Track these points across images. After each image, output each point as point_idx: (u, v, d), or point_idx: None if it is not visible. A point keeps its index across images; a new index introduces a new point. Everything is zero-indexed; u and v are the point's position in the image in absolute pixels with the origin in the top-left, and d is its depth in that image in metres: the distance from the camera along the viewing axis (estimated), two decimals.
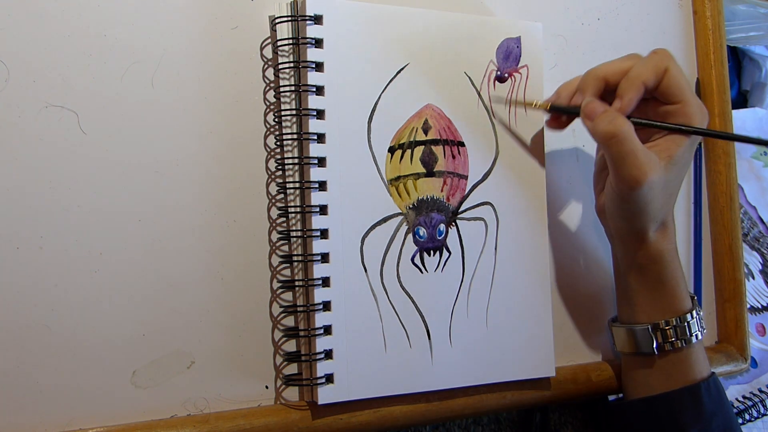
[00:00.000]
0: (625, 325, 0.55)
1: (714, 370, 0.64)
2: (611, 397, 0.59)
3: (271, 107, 0.49)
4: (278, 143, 0.49)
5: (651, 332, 0.52)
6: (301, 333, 0.48)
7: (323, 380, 0.47)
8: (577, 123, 0.55)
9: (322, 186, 0.48)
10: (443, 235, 0.52)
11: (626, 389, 0.56)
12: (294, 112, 0.48)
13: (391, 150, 0.50)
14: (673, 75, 0.50)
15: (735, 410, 0.68)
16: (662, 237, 0.52)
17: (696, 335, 0.52)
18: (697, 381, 0.52)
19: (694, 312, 0.53)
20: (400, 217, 0.50)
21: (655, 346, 0.52)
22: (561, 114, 0.54)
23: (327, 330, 0.48)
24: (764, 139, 0.52)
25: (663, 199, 0.50)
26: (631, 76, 0.50)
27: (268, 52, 0.49)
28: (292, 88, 0.48)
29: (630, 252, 0.53)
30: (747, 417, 0.69)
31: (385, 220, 0.50)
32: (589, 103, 0.50)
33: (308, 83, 0.47)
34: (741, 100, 0.86)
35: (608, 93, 0.51)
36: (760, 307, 0.74)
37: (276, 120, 0.49)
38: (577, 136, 0.61)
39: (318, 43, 0.48)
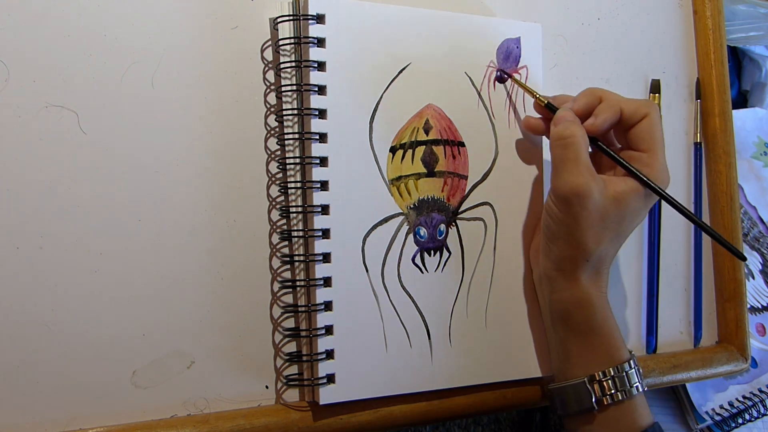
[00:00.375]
0: (562, 383, 0.51)
1: (714, 370, 0.64)
2: None
3: (272, 109, 0.49)
4: (280, 143, 0.48)
5: (588, 385, 0.49)
6: (303, 333, 0.48)
7: (324, 380, 0.47)
8: None
9: (323, 186, 0.48)
10: (443, 235, 0.52)
11: None
12: (296, 111, 0.48)
13: (393, 150, 0.50)
14: (652, 122, 0.50)
15: (735, 410, 0.68)
16: (593, 282, 0.50)
17: (636, 387, 0.49)
18: (643, 428, 0.49)
19: (632, 362, 0.50)
20: (401, 217, 0.50)
21: (594, 400, 0.49)
22: (543, 111, 0.54)
23: (328, 330, 0.48)
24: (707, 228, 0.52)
25: (598, 234, 0.48)
26: (612, 101, 0.50)
27: (269, 54, 0.49)
28: (294, 87, 0.48)
29: (557, 292, 0.51)
30: (747, 417, 0.69)
31: (386, 220, 0.50)
32: (564, 112, 0.50)
33: (310, 83, 0.47)
34: (741, 100, 0.86)
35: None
36: (760, 307, 0.74)
37: (277, 120, 0.49)
38: None
39: (320, 42, 0.48)
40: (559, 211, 0.48)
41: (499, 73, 0.54)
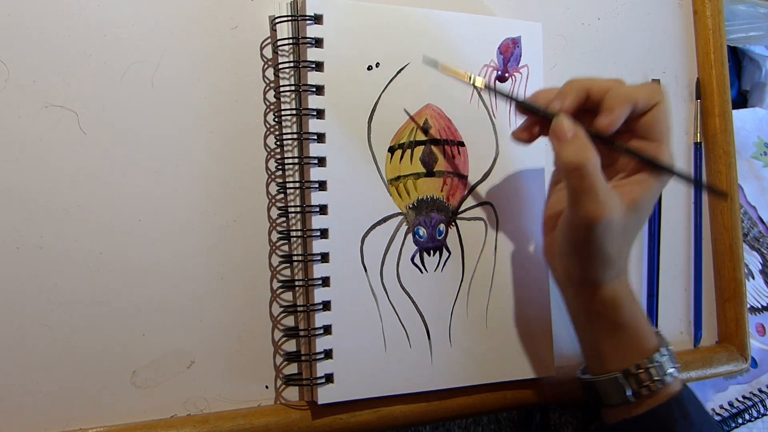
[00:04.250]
0: (598, 377, 0.50)
1: (714, 370, 0.64)
2: None
3: (271, 107, 0.49)
4: (278, 143, 0.49)
5: (624, 379, 0.48)
6: (301, 333, 0.48)
7: (323, 380, 0.47)
8: None
9: (322, 186, 0.48)
10: (443, 235, 0.52)
11: (606, 418, 0.52)
12: (294, 111, 0.48)
13: (391, 150, 0.50)
14: (663, 111, 0.46)
15: (735, 410, 0.68)
16: (618, 281, 0.48)
17: (671, 373, 0.48)
18: (678, 392, 0.49)
19: (662, 349, 0.49)
20: (400, 217, 0.50)
21: (630, 393, 0.48)
22: (527, 113, 0.49)
23: (327, 330, 0.48)
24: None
25: (619, 244, 0.47)
26: (622, 92, 0.45)
27: (268, 52, 0.49)
28: (292, 87, 0.48)
29: (583, 298, 0.49)
30: (747, 417, 0.69)
31: (385, 219, 0.50)
32: (562, 122, 0.45)
33: (308, 83, 0.47)
34: (741, 100, 0.86)
35: (586, 111, 0.47)
36: (760, 307, 0.74)
37: (276, 120, 0.49)
38: None
39: (318, 42, 0.48)
40: (579, 238, 0.46)
41: (499, 73, 0.54)
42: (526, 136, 0.49)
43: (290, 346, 0.49)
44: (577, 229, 0.46)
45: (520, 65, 0.55)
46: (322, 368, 0.47)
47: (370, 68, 0.49)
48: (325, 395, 0.47)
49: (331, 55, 0.48)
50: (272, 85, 0.49)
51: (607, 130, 0.45)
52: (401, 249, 0.50)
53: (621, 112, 0.45)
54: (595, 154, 0.44)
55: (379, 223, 0.50)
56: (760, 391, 0.70)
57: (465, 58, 0.53)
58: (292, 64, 0.48)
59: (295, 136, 0.48)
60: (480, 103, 0.54)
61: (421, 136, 0.51)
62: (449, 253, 0.52)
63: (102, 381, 0.44)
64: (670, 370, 0.48)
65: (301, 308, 0.48)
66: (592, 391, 0.51)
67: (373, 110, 0.50)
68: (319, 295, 0.47)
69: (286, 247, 0.49)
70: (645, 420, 0.49)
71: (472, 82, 0.50)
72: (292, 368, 0.49)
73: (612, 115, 0.45)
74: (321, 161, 0.48)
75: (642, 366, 0.48)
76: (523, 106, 0.49)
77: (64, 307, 0.43)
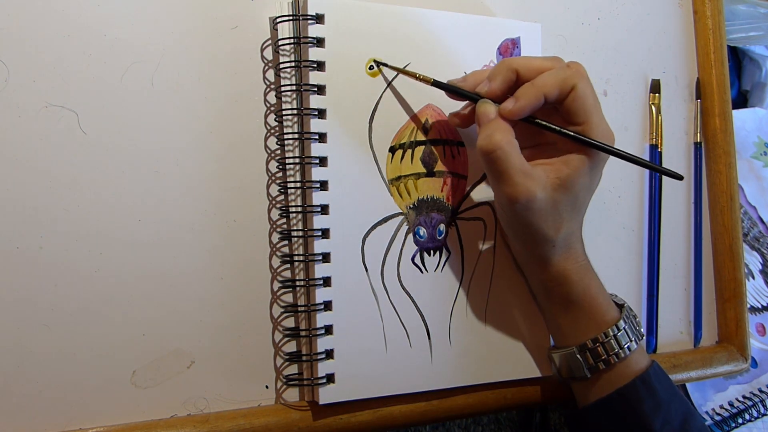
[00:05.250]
0: (558, 350, 0.52)
1: (714, 370, 0.64)
2: None
3: (272, 108, 0.49)
4: (279, 143, 0.49)
5: (579, 355, 0.50)
6: (302, 333, 0.48)
7: (324, 380, 0.47)
8: None
9: (323, 186, 0.48)
10: (443, 235, 0.52)
11: (579, 401, 0.53)
12: (295, 111, 0.48)
13: (392, 150, 0.50)
14: (580, 95, 0.47)
15: (735, 410, 0.69)
16: (565, 258, 0.49)
17: (628, 347, 0.49)
18: (644, 370, 0.50)
19: (621, 322, 0.50)
20: (401, 217, 0.50)
21: (586, 368, 0.50)
22: (457, 97, 0.50)
23: (328, 330, 0.48)
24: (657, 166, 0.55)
25: (555, 222, 0.48)
26: (536, 83, 0.47)
27: (269, 53, 0.49)
28: (294, 87, 0.48)
29: (533, 274, 0.52)
30: (747, 417, 0.69)
31: (385, 219, 0.50)
32: (484, 104, 0.48)
33: (310, 82, 0.47)
34: (741, 100, 0.86)
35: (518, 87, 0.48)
36: (760, 307, 0.74)
37: (277, 120, 0.49)
38: None
39: (319, 42, 0.48)
40: (509, 217, 0.49)
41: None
42: (458, 120, 0.51)
43: (290, 346, 0.49)
44: (502, 210, 0.50)
45: None
46: (323, 368, 0.47)
47: (371, 68, 0.49)
48: (326, 395, 0.47)
49: (332, 54, 0.48)
50: (273, 86, 0.49)
51: (511, 116, 0.47)
52: (402, 249, 0.50)
53: (526, 103, 0.47)
54: (507, 137, 0.46)
55: (379, 223, 0.50)
56: (760, 391, 0.70)
57: (465, 58, 0.53)
58: (293, 64, 0.48)
59: (296, 135, 0.48)
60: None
61: (421, 136, 0.51)
62: (449, 253, 0.52)
63: (102, 381, 0.44)
64: (628, 344, 0.49)
65: (302, 308, 0.48)
66: (554, 364, 0.53)
67: (374, 110, 0.50)
68: (321, 295, 0.47)
69: (286, 249, 0.49)
70: (612, 402, 0.50)
71: (420, 79, 0.50)
72: (292, 368, 0.49)
73: (515, 105, 0.47)
74: (322, 161, 0.48)
75: (599, 339, 0.49)
76: (453, 91, 0.50)
77: (64, 307, 0.43)
